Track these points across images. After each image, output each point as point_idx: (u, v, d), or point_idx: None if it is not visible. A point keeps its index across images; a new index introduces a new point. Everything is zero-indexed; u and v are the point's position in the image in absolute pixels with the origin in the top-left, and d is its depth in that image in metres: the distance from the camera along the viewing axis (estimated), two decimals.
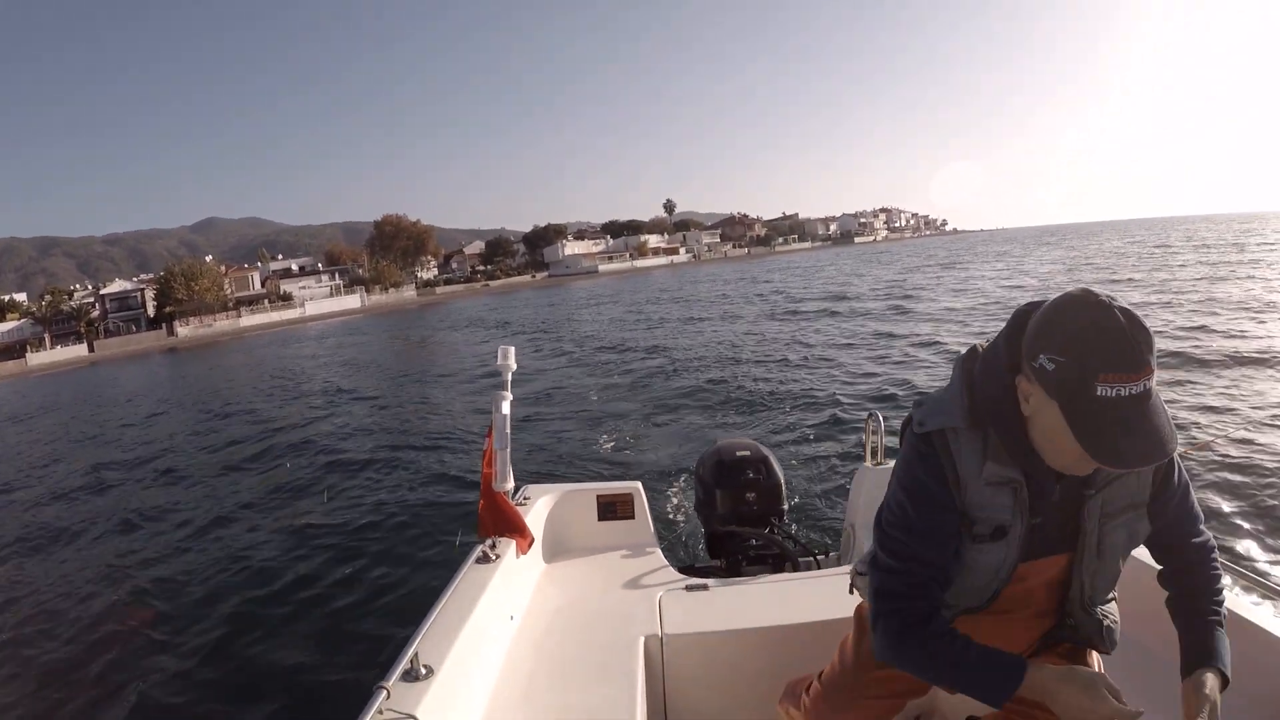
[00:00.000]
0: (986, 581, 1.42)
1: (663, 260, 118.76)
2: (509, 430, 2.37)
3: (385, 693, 1.43)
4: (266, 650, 4.96)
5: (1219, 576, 1.45)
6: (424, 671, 1.53)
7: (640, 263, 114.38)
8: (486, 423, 2.49)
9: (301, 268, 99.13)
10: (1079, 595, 1.45)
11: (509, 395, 2.37)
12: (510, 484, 2.38)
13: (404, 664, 1.51)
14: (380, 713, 1.39)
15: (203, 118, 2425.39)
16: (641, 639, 2.06)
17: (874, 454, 2.98)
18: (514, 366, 2.40)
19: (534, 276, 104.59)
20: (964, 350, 1.41)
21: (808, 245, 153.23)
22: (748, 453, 3.10)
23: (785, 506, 3.11)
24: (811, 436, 9.10)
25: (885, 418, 3.00)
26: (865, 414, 3.11)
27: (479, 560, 2.16)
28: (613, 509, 2.87)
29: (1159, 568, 1.49)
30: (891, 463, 2.44)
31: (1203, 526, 1.46)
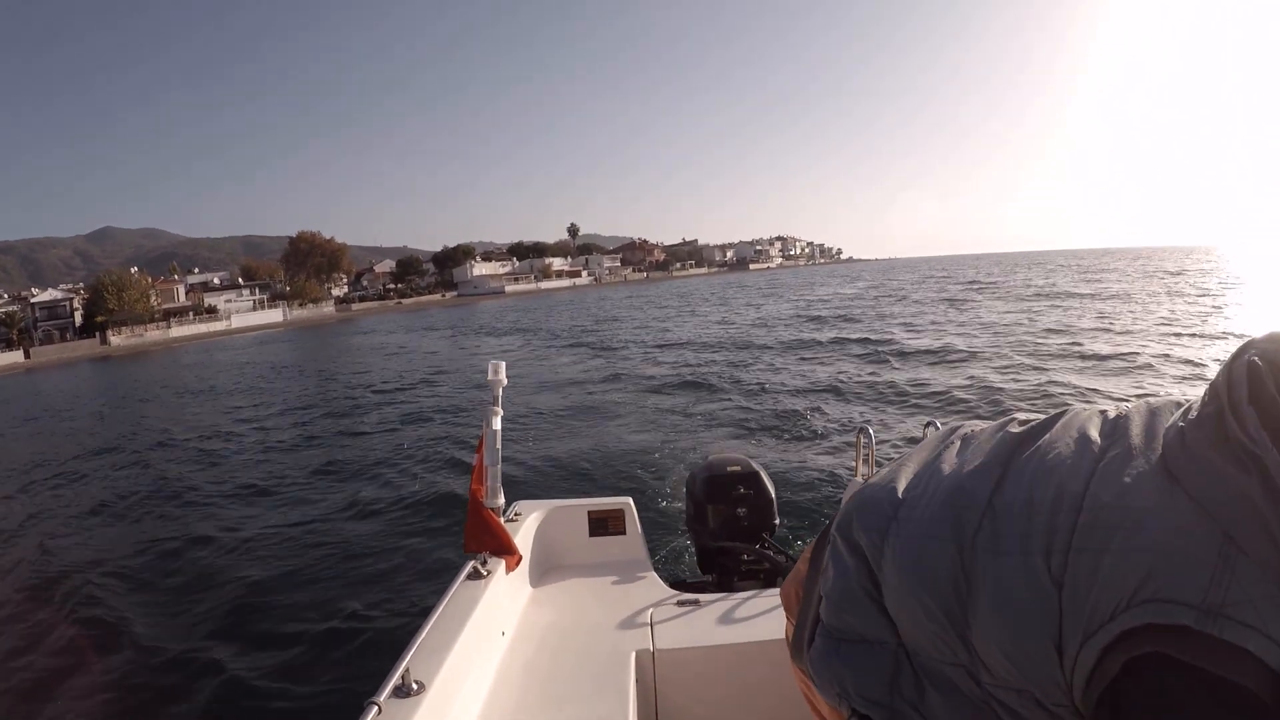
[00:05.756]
0: None
1: (566, 283, 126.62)
2: (499, 446, 2.38)
3: (377, 708, 1.41)
4: (258, 665, 4.99)
5: None
6: (415, 687, 1.52)
7: (545, 284, 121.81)
8: (475, 436, 2.50)
9: (220, 281, 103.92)
10: None
11: (500, 411, 2.38)
12: (501, 500, 2.42)
13: (395, 679, 1.51)
14: None
15: (95, 121, 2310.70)
16: (633, 654, 2.06)
17: (864, 468, 2.85)
18: (504, 382, 2.41)
19: (444, 296, 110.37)
20: None
21: (704, 271, 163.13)
22: (739, 468, 3.06)
23: (777, 521, 3.04)
24: (802, 451, 9.25)
25: (875, 432, 2.86)
26: (856, 429, 3.02)
27: (470, 576, 2.15)
28: (604, 525, 2.86)
29: None
30: None
31: None
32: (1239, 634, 0.66)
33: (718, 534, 2.99)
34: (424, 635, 1.73)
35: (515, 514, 2.77)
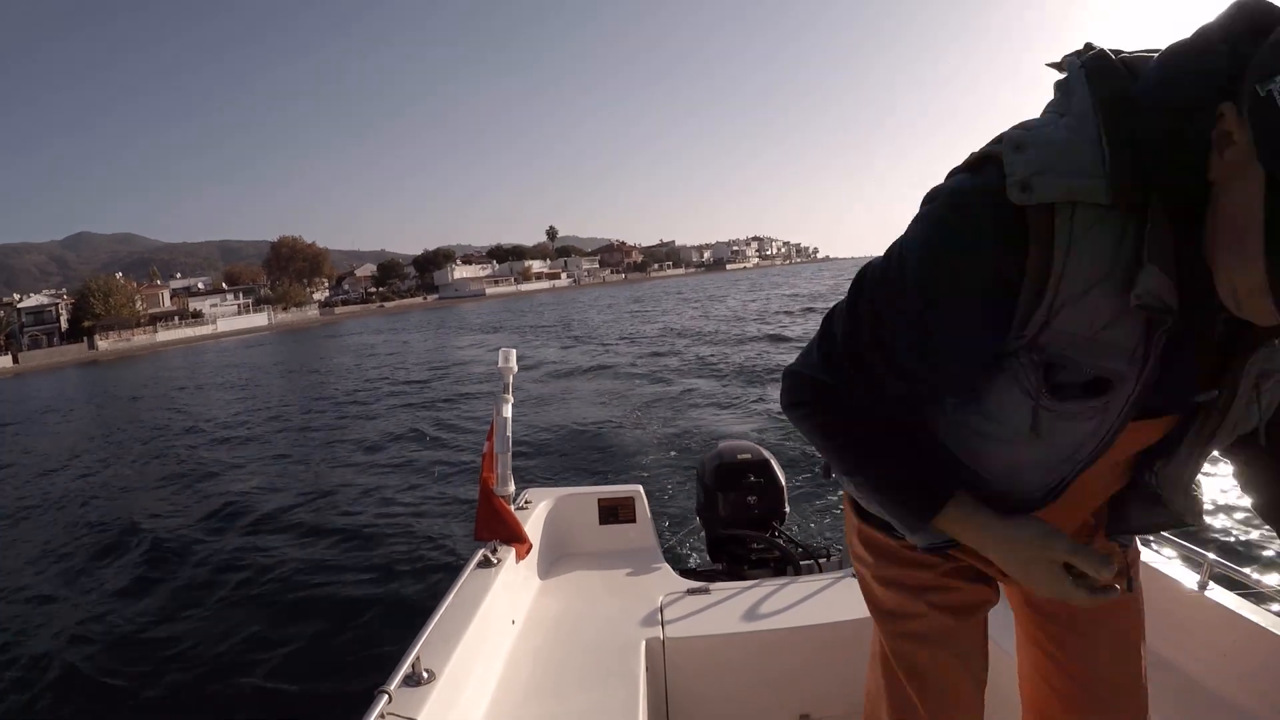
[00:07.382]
0: (1058, 463, 0.85)
1: (545, 284, 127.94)
2: (510, 434, 2.37)
3: (387, 697, 1.41)
4: (268, 654, 5.00)
5: None
6: (425, 676, 1.53)
7: (525, 286, 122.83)
8: (484, 425, 2.47)
9: (204, 286, 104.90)
10: (1179, 477, 0.88)
11: (510, 398, 2.38)
12: (511, 488, 2.40)
13: (405, 668, 1.50)
14: (382, 717, 1.37)
15: (69, 126, 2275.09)
16: (643, 642, 2.06)
17: None
18: (515, 369, 2.40)
19: (425, 299, 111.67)
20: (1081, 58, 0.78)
21: (682, 271, 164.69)
22: (749, 455, 3.05)
23: (787, 509, 3.04)
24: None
25: None
26: None
27: (480, 565, 2.14)
28: (614, 513, 2.86)
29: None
30: None
31: None
32: None
33: (728, 522, 2.99)
34: (434, 624, 1.72)
35: (525, 502, 2.77)
